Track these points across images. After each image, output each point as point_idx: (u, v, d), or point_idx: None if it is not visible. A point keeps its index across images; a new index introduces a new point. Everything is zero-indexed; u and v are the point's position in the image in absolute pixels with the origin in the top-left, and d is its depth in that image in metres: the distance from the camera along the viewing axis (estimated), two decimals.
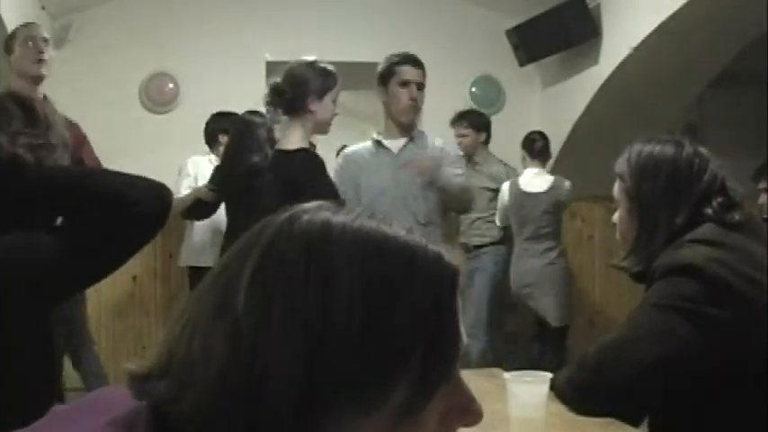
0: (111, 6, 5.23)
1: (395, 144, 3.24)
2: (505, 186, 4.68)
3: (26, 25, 3.31)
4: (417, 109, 3.22)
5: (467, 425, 0.68)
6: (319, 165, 2.84)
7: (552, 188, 4.61)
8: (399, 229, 0.65)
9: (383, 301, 0.61)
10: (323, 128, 2.96)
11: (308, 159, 2.84)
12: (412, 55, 3.23)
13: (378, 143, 3.27)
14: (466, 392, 0.68)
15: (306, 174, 2.78)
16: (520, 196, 4.60)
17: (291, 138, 2.88)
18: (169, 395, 0.61)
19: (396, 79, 3.18)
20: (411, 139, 3.24)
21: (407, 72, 3.18)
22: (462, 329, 0.67)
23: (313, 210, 0.66)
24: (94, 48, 5.15)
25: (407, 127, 3.23)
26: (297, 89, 2.88)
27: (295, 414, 0.59)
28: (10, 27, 3.62)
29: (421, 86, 3.18)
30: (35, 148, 1.53)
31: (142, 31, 5.29)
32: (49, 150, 1.55)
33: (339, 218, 0.65)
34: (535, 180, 4.64)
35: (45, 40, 3.21)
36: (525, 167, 4.72)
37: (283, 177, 2.80)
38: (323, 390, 0.60)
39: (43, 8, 4.69)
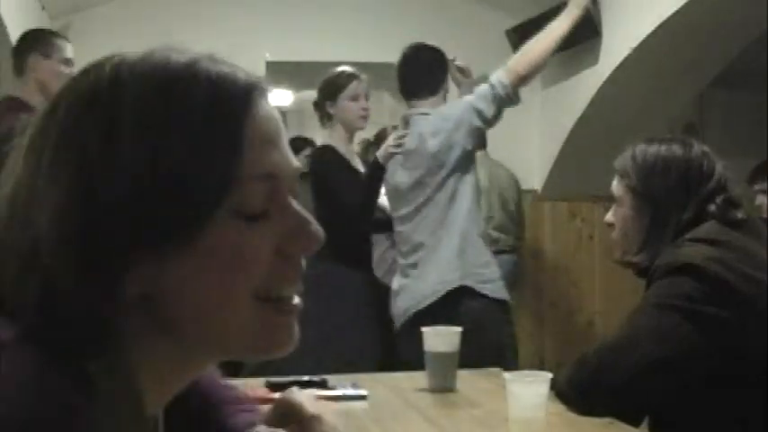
0: (111, 6, 5.23)
1: None
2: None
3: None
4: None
5: (306, 250, 0.65)
6: (336, 160, 3.15)
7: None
8: (188, 54, 0.63)
9: (160, 130, 0.59)
10: (349, 127, 3.24)
11: (323, 154, 3.21)
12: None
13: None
14: (297, 216, 0.65)
15: (322, 168, 3.16)
16: None
17: (321, 138, 3.32)
18: None
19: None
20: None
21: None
22: (288, 155, 0.65)
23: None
24: (94, 48, 5.13)
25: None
26: (319, 96, 3.25)
27: (78, 272, 0.57)
28: (10, 27, 3.61)
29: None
30: None
31: (142, 31, 5.29)
32: None
33: (130, 56, 0.63)
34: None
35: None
36: None
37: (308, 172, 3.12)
38: (103, 236, 0.57)
39: (43, 8, 4.69)
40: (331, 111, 3.21)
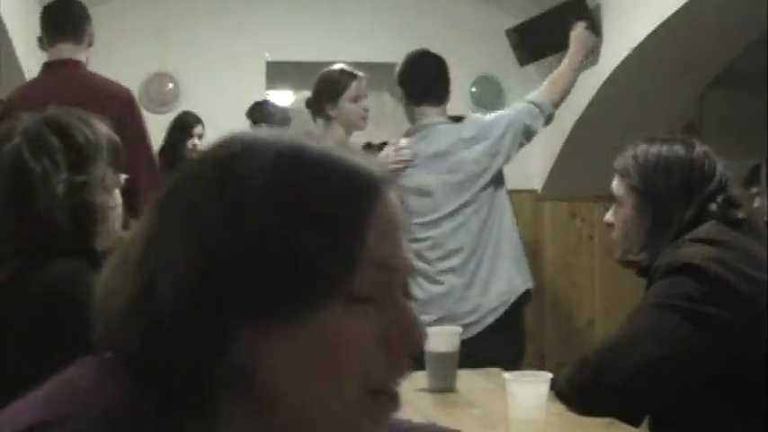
0: (110, 6, 5.22)
1: None
2: None
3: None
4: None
5: (409, 345, 0.65)
6: None
7: None
8: (323, 142, 0.65)
9: (288, 213, 0.61)
10: (350, 129, 3.17)
11: None
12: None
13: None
14: (404, 310, 0.65)
15: None
16: None
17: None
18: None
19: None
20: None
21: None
22: (406, 254, 0.66)
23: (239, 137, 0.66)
24: (94, 47, 5.14)
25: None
26: (317, 97, 3.15)
27: (186, 325, 0.59)
28: (10, 27, 3.61)
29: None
30: (77, 188, 1.43)
31: (142, 31, 5.28)
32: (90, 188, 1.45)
33: (263, 135, 0.65)
34: None
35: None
36: None
37: None
38: (216, 298, 0.59)
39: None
40: (332, 113, 3.12)
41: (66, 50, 2.94)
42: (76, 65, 2.94)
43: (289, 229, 0.60)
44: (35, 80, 3.05)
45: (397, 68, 3.23)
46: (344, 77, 3.13)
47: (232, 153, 0.64)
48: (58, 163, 1.42)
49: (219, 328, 0.59)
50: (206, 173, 0.63)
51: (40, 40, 3.04)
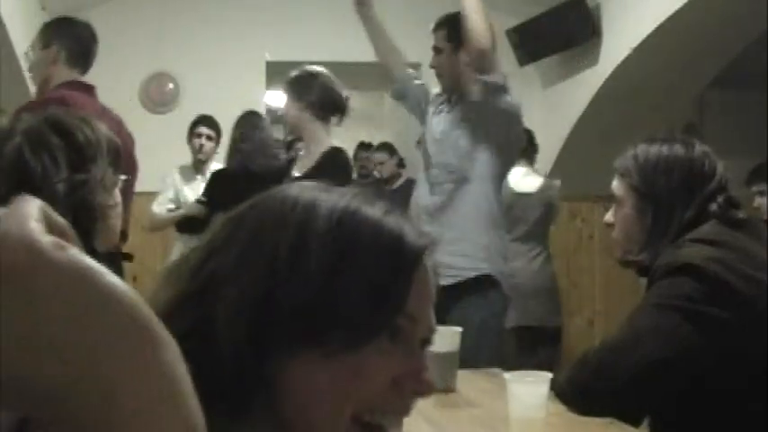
0: (111, 6, 5.23)
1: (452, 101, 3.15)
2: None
3: None
4: (438, 75, 3.10)
5: (418, 392, 0.73)
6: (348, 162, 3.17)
7: (543, 189, 4.53)
8: (376, 208, 0.74)
9: (343, 260, 0.70)
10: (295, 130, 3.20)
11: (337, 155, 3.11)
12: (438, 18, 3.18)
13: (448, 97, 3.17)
14: (418, 361, 0.74)
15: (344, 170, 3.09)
16: (511, 196, 4.53)
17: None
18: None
19: None
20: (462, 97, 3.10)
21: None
22: (432, 315, 0.76)
23: (307, 186, 0.76)
24: None
25: (446, 91, 3.12)
26: (318, 106, 3.11)
27: (239, 329, 0.67)
28: (10, 27, 3.62)
29: (437, 50, 3.07)
30: (77, 186, 1.42)
31: (142, 31, 5.29)
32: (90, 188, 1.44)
33: (327, 196, 0.74)
34: (525, 180, 4.55)
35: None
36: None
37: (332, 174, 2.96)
38: (273, 313, 0.68)
39: (43, 8, 4.68)
40: (333, 125, 3.15)
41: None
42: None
43: (346, 275, 0.69)
44: (77, 96, 2.78)
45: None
46: (346, 100, 3.19)
47: (303, 197, 0.73)
48: (59, 162, 1.42)
49: (266, 338, 0.68)
50: (278, 207, 0.73)
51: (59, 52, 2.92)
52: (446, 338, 1.82)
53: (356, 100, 5.92)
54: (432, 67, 3.12)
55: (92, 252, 1.54)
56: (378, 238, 0.72)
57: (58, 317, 0.41)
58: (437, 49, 3.09)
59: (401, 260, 0.73)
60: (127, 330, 0.43)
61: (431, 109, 3.17)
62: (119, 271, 1.49)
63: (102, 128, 1.52)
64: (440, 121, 3.09)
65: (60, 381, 0.41)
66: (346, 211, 0.73)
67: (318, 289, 0.69)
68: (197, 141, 4.42)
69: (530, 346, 4.59)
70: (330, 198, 0.74)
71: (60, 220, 0.46)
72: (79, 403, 0.41)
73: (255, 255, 0.71)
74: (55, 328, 0.41)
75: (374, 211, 0.74)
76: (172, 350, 0.46)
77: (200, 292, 0.70)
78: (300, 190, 0.75)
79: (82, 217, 1.44)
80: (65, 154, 1.43)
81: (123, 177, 1.58)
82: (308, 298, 0.68)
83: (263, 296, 0.68)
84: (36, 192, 1.44)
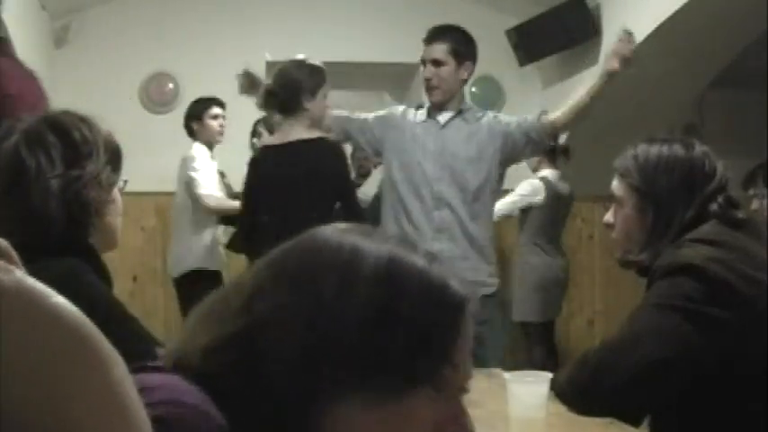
0: (111, 6, 5.23)
1: (443, 116, 3.13)
2: (538, 184, 4.56)
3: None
4: (432, 87, 3.09)
5: None
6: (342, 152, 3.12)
7: (571, 192, 4.66)
8: (420, 257, 0.75)
9: (391, 307, 0.70)
10: (319, 123, 3.10)
11: (334, 145, 3.07)
12: (431, 29, 3.19)
13: (428, 111, 3.15)
14: (461, 408, 0.75)
15: (332, 160, 3.04)
16: (554, 197, 4.59)
17: (293, 132, 3.06)
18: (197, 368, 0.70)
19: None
20: (460, 113, 3.13)
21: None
22: (470, 362, 0.76)
23: (347, 230, 0.77)
24: (94, 48, 5.15)
25: (435, 105, 3.12)
26: (289, 89, 3.07)
27: (285, 371, 0.68)
28: (10, 27, 3.61)
29: (436, 63, 3.08)
30: (71, 181, 1.43)
31: (142, 31, 5.29)
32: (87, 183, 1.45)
33: (369, 243, 0.74)
34: (561, 183, 4.66)
35: None
36: (538, 170, 4.63)
37: (309, 165, 2.99)
38: (320, 357, 0.68)
39: (43, 8, 4.69)
40: (307, 105, 3.07)
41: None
42: None
43: (393, 323, 0.70)
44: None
45: None
46: (323, 72, 3.14)
47: (345, 242, 0.74)
48: (54, 159, 1.44)
49: (312, 381, 0.68)
50: (320, 251, 0.73)
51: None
52: None
53: (355, 100, 5.93)
54: (426, 78, 3.08)
55: (87, 248, 1.54)
56: (424, 287, 0.73)
57: (6, 340, 0.41)
58: (437, 62, 3.07)
59: (449, 310, 0.73)
60: (76, 350, 0.44)
61: (406, 124, 3.12)
62: (101, 270, 1.48)
63: (102, 128, 1.53)
64: (450, 137, 3.09)
65: (12, 401, 0.41)
66: (393, 258, 0.73)
67: (364, 336, 0.69)
68: (214, 123, 4.38)
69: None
70: (372, 244, 0.74)
71: (1, 240, 0.46)
72: (33, 422, 0.42)
73: (300, 299, 0.71)
74: (4, 350, 0.41)
75: (419, 259, 0.74)
76: (120, 368, 0.46)
77: (243, 336, 0.70)
78: (340, 234, 0.76)
79: (76, 211, 1.45)
80: (60, 151, 1.44)
81: (124, 179, 1.59)
82: (353, 344, 0.68)
83: (308, 341, 0.68)
84: (30, 187, 1.45)
